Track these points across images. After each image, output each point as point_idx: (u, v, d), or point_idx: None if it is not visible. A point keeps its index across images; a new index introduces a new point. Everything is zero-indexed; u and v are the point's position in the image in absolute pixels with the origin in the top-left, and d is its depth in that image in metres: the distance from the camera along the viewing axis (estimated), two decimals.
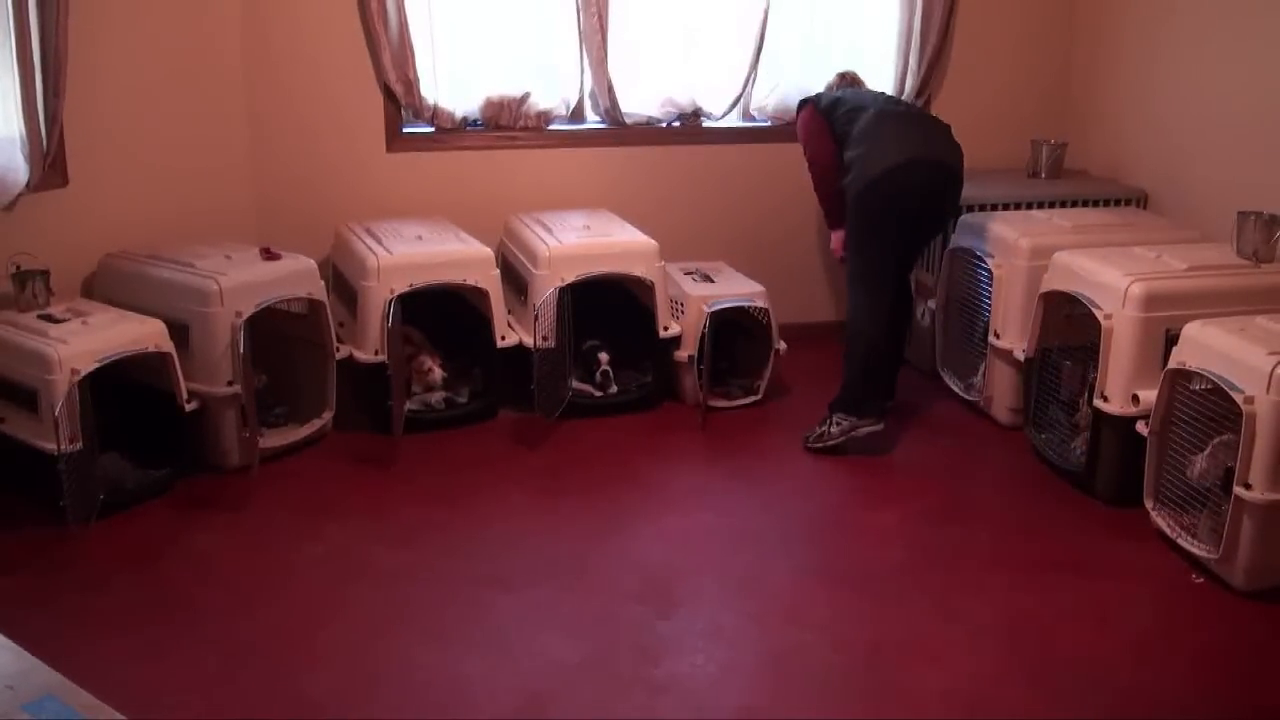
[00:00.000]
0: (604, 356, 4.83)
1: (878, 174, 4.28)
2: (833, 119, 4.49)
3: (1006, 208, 5.02)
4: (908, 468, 4.38)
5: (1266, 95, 4.49)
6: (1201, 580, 3.56)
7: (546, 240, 4.73)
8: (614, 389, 4.84)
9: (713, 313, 4.69)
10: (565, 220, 4.97)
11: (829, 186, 4.54)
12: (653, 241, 4.80)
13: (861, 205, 4.36)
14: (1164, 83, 5.08)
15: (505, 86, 5.20)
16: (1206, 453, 3.55)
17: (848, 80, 4.85)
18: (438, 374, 4.68)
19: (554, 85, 5.27)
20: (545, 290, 4.55)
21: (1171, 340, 3.74)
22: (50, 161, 4.16)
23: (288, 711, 2.94)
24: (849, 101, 4.51)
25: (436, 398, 4.69)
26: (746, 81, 5.40)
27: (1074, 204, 5.10)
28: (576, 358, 4.83)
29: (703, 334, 4.67)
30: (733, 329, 4.91)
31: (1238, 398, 3.35)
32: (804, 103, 4.66)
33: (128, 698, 2.88)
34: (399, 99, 5.10)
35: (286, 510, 3.99)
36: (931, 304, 4.99)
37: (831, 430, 4.45)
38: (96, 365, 3.75)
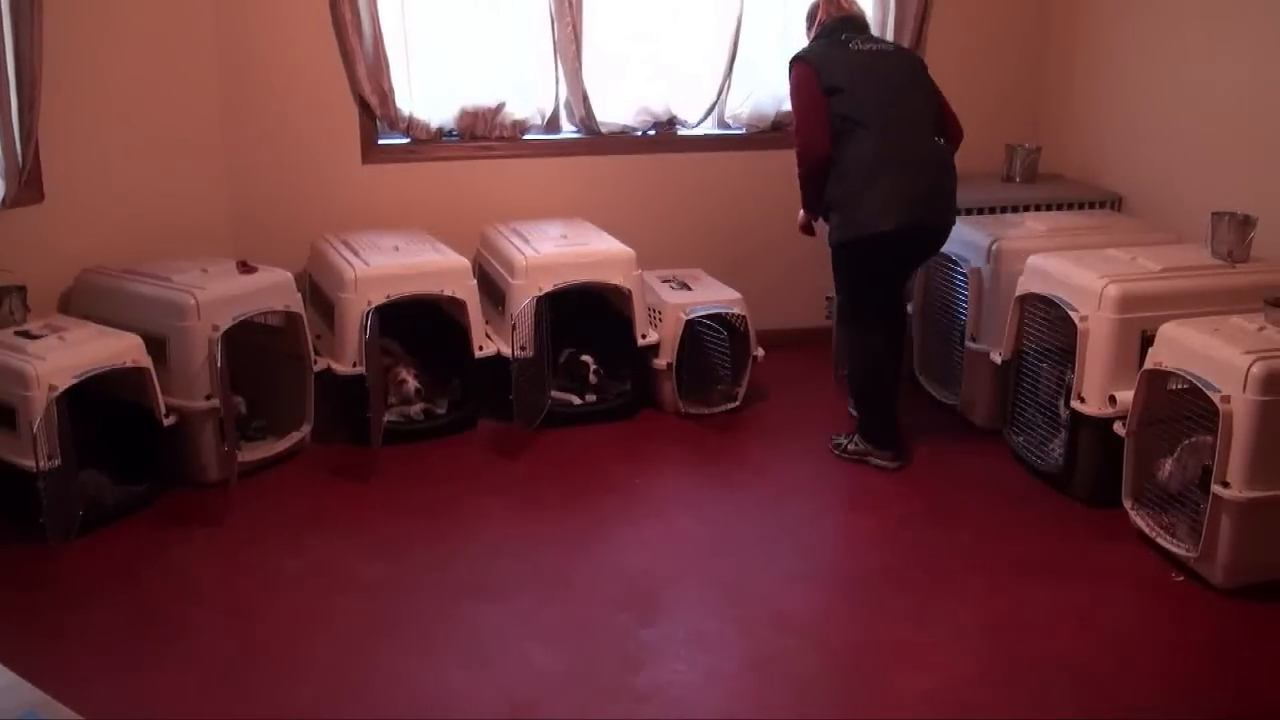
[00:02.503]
0: (589, 360, 4.83)
1: (864, 236, 4.10)
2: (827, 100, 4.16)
3: (982, 212, 5.04)
4: (887, 472, 4.38)
5: (1239, 97, 4.53)
6: (1181, 579, 3.58)
7: (523, 250, 4.73)
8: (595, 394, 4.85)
9: (707, 318, 4.67)
10: (542, 230, 4.97)
11: (814, 180, 4.23)
12: (630, 250, 4.80)
13: (847, 256, 4.25)
14: (1137, 86, 5.12)
15: (480, 97, 5.20)
16: (1174, 457, 3.58)
17: (837, 11, 4.36)
18: (411, 384, 4.65)
19: (529, 95, 5.27)
20: (522, 300, 4.55)
21: (1147, 341, 3.77)
22: (26, 177, 4.14)
23: None
24: (846, 100, 4.12)
25: (415, 409, 4.67)
26: (721, 90, 5.41)
27: (1049, 208, 5.13)
28: (556, 367, 4.83)
29: (703, 339, 4.66)
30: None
31: (1214, 397, 3.38)
32: (797, 59, 4.27)
33: (109, 714, 2.89)
34: (374, 110, 5.09)
35: (267, 524, 3.97)
36: (908, 309, 4.99)
37: (849, 447, 4.47)
38: (74, 381, 3.73)
